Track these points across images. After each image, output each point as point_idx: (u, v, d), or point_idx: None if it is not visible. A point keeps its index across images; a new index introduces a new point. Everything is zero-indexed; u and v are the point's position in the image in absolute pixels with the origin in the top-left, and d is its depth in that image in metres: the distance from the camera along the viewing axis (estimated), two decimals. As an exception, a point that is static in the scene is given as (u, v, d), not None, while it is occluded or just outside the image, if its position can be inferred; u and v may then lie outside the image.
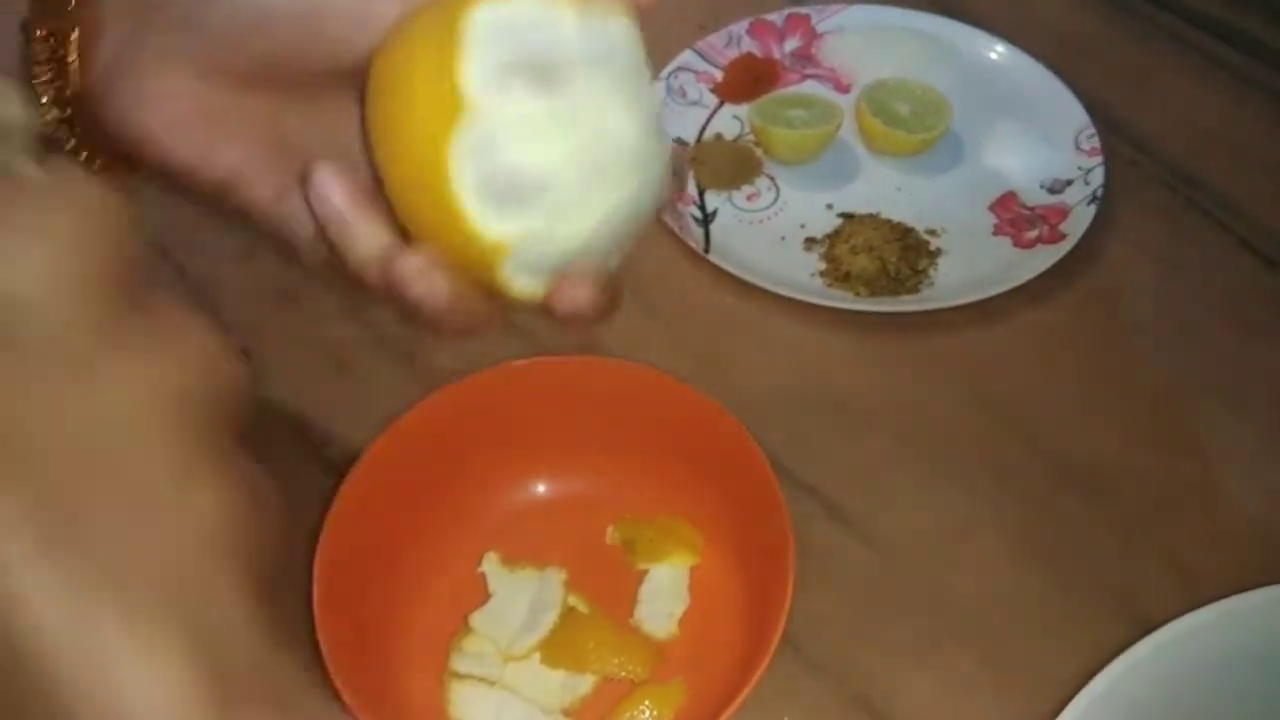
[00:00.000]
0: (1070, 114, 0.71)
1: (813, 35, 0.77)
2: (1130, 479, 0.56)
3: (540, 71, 0.29)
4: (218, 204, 0.34)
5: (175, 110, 0.32)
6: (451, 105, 0.28)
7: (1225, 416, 0.59)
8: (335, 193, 0.31)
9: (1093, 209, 0.65)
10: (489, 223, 0.29)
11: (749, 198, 0.69)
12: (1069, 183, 0.68)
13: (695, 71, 0.75)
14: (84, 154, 0.34)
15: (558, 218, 0.30)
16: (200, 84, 0.31)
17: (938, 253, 0.66)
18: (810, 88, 0.75)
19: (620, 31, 0.31)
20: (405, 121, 0.29)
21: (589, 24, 0.30)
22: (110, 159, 0.35)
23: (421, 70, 0.29)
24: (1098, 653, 0.46)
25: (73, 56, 0.31)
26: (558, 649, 0.49)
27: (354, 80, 0.31)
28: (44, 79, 0.32)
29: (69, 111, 0.32)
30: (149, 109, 0.32)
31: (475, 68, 0.28)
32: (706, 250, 0.64)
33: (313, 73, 0.31)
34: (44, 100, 0.32)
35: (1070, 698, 0.45)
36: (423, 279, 0.31)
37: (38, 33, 0.31)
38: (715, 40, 0.76)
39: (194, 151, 0.32)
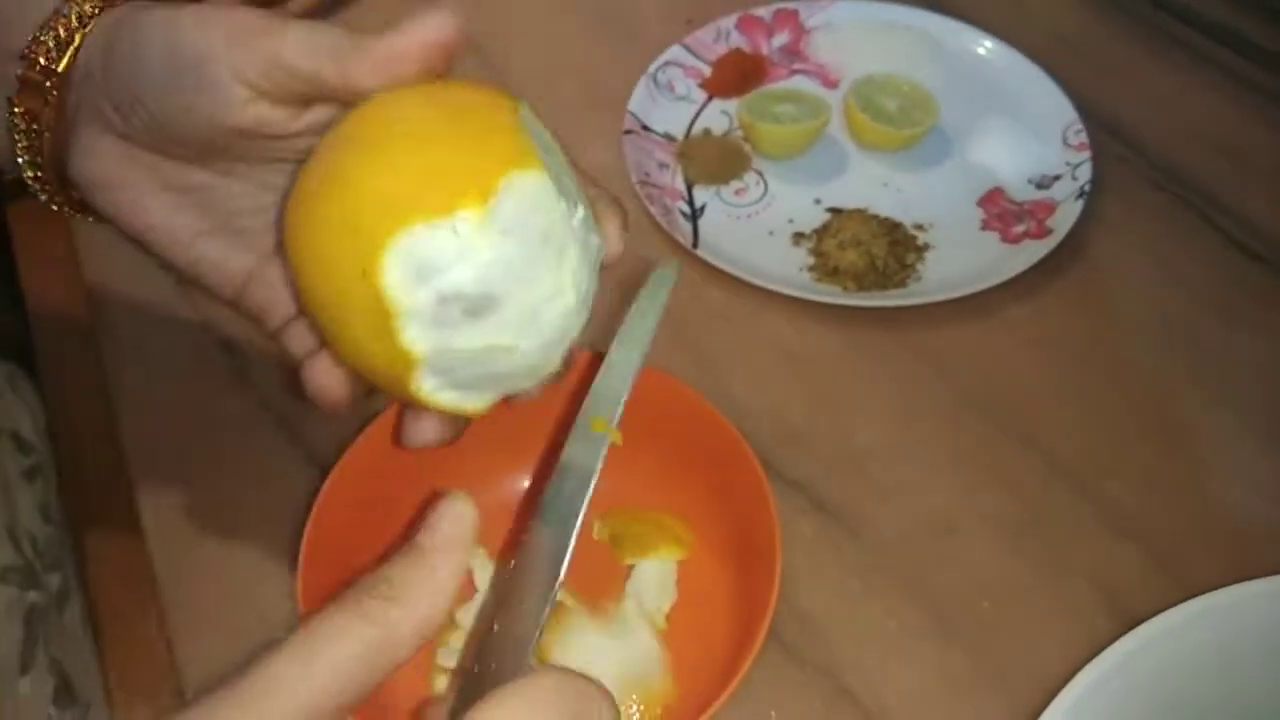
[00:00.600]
0: (1058, 109, 0.71)
1: (801, 31, 0.77)
2: (1117, 473, 0.56)
3: (471, 305, 0.32)
4: (145, 251, 0.39)
5: (100, 169, 0.37)
6: (404, 361, 0.33)
7: (1213, 411, 0.59)
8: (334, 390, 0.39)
9: (1080, 204, 0.65)
10: (451, 402, 0.36)
11: (737, 193, 0.69)
12: (1057, 178, 0.68)
13: (683, 66, 0.74)
14: (55, 205, 0.40)
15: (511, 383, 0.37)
16: (116, 146, 0.37)
17: (925, 248, 0.66)
18: (798, 83, 0.75)
19: (527, 205, 0.32)
20: (365, 363, 0.34)
21: (494, 222, 0.31)
22: (76, 209, 0.40)
23: (365, 337, 0.33)
24: (1085, 647, 0.46)
25: (46, 130, 0.37)
26: (547, 642, 0.49)
27: (243, 145, 0.36)
28: (22, 145, 0.37)
29: (41, 173, 0.38)
30: (84, 167, 0.37)
31: (414, 325, 0.32)
32: (694, 245, 0.64)
33: (197, 140, 0.36)
34: (22, 160, 0.38)
35: (1057, 691, 0.45)
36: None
37: (17, 109, 0.37)
38: (704, 35, 0.76)
39: (117, 205, 0.38)
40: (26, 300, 0.65)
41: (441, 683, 0.48)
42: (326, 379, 0.38)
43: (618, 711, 0.27)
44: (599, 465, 0.36)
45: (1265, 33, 0.76)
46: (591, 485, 0.35)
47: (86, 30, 0.36)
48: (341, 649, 0.26)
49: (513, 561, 0.33)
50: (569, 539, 0.33)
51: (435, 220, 0.30)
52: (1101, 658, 0.45)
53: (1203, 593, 0.47)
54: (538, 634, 0.31)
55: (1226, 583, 0.47)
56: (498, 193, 0.30)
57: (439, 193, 0.30)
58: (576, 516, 0.34)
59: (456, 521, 0.29)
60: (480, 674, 0.30)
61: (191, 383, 0.60)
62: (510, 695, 0.25)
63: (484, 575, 0.51)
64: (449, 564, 0.28)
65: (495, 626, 0.30)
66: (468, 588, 0.51)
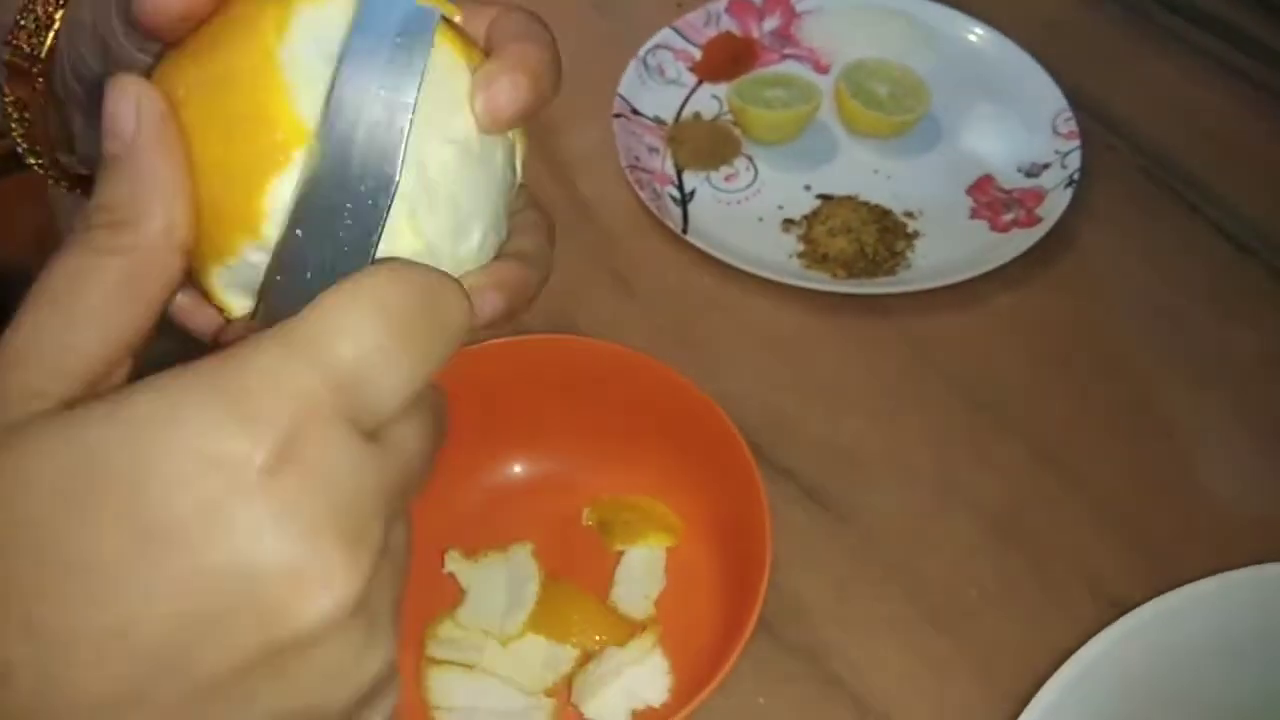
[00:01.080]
0: (1048, 97, 0.71)
1: (792, 15, 0.77)
2: (1105, 461, 0.56)
3: None
4: None
5: (83, 148, 0.36)
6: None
7: (1199, 400, 0.59)
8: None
9: (1069, 193, 0.65)
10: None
11: (727, 178, 0.69)
12: (1046, 166, 0.68)
13: (674, 50, 0.74)
14: (65, 187, 0.39)
15: None
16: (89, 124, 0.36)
17: (915, 235, 0.66)
18: (789, 68, 0.74)
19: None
20: None
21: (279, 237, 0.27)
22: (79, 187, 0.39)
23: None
24: (1071, 635, 0.46)
25: (37, 118, 0.36)
26: (542, 618, 0.49)
27: None
28: (19, 133, 0.36)
29: (42, 160, 0.37)
30: (80, 149, 0.36)
31: None
32: (684, 230, 0.64)
33: None
34: (21, 149, 0.37)
35: (1044, 679, 0.45)
36: None
37: (8, 97, 0.36)
38: (694, 19, 0.75)
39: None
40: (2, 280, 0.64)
41: (433, 674, 0.48)
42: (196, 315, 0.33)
43: (469, 305, 0.25)
44: (430, 39, 0.26)
45: (1261, 27, 0.76)
46: (426, 58, 0.25)
47: (65, 8, 0.35)
48: (93, 296, 0.24)
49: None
50: (405, 111, 0.25)
51: (230, 262, 0.27)
52: (1088, 646, 0.45)
53: (1189, 581, 0.48)
54: (376, 237, 0.25)
55: (1212, 571, 0.48)
56: (267, 216, 0.26)
57: (219, 234, 0.27)
58: (416, 76, 0.25)
59: (138, 109, 0.25)
60: (285, 285, 0.25)
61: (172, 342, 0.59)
62: (339, 298, 0.22)
63: (467, 577, 0.51)
64: (158, 158, 0.25)
65: (299, 232, 0.25)
66: (455, 591, 0.50)
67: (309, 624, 0.21)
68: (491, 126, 0.28)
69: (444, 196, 0.27)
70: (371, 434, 0.23)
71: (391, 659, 0.24)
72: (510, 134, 0.29)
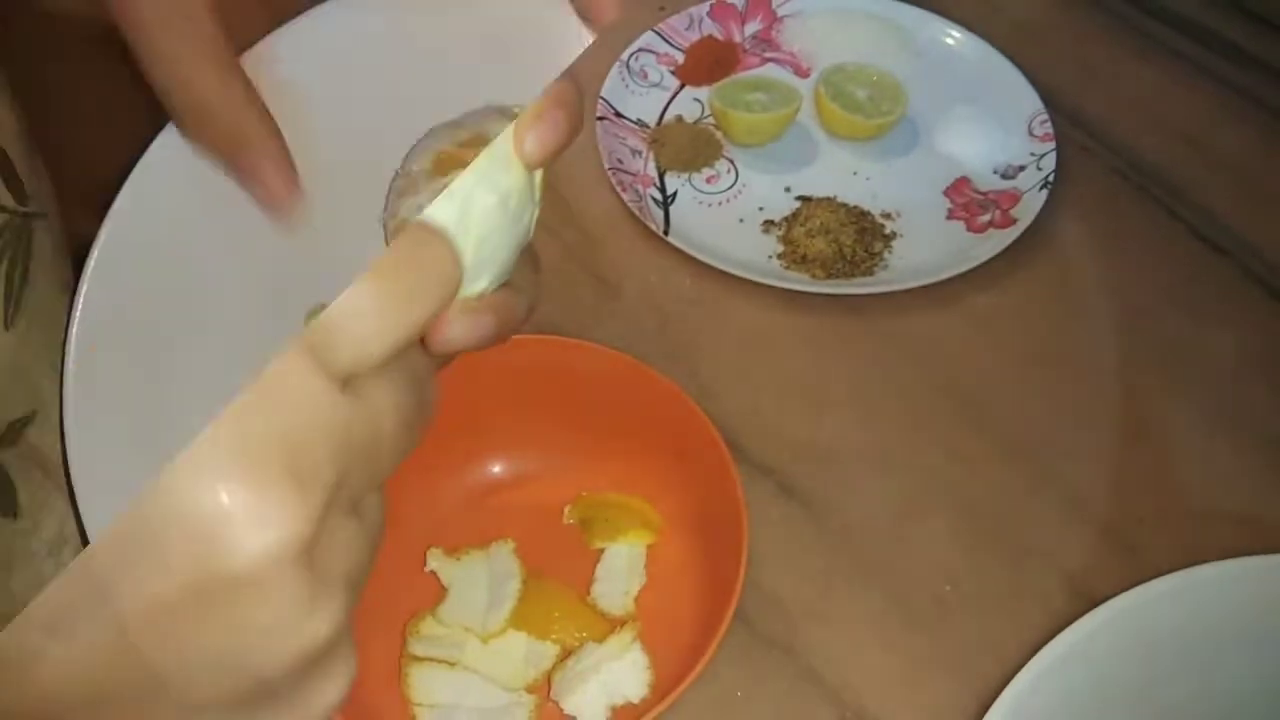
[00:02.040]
0: (1024, 100, 0.71)
1: (773, 19, 0.77)
2: (1080, 459, 0.57)
3: None
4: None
5: None
6: None
7: (1172, 398, 0.60)
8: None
9: (1044, 194, 0.66)
10: None
11: (708, 180, 0.69)
12: (1021, 168, 0.69)
13: (656, 53, 0.75)
14: None
15: None
16: None
17: (893, 236, 0.67)
18: (770, 71, 0.75)
19: None
20: None
21: None
22: None
23: None
24: (1045, 629, 0.47)
25: None
26: (524, 615, 0.50)
27: None
28: None
29: None
30: None
31: None
32: (666, 232, 0.65)
33: None
34: None
35: (1017, 672, 0.46)
36: None
37: None
38: (676, 22, 0.76)
39: None
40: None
41: (414, 671, 0.48)
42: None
43: (457, 259, 0.25)
44: None
45: (1239, 32, 0.77)
46: None
47: None
48: None
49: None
50: None
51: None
52: (1060, 638, 0.46)
53: (1161, 575, 0.48)
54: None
55: (1184, 566, 0.49)
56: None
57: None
58: None
59: None
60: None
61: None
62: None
63: (448, 575, 0.51)
64: None
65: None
66: (436, 589, 0.51)
67: (244, 561, 0.20)
68: (538, 162, 0.29)
69: (474, 238, 0.28)
70: (342, 383, 0.22)
71: (339, 626, 0.22)
72: (536, 197, 0.31)
